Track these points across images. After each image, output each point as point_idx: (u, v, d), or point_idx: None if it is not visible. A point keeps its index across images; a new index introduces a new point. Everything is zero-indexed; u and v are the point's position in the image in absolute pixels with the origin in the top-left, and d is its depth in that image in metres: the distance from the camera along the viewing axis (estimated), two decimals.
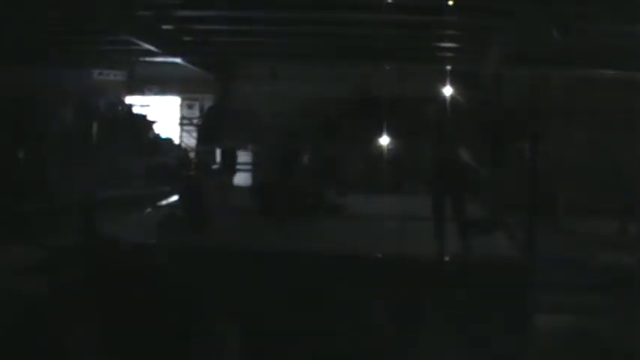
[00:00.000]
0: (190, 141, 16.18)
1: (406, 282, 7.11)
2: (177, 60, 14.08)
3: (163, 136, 17.12)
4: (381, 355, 6.77)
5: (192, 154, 14.87)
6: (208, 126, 13.54)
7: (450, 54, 13.41)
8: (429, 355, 6.65)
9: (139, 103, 17.77)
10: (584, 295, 8.21)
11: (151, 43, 12.27)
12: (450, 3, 9.38)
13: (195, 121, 16.79)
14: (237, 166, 13.02)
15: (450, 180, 8.23)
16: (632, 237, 10.11)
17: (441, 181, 8.32)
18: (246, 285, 7.06)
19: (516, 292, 7.21)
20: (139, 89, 17.62)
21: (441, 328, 6.76)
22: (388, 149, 14.04)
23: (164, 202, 11.67)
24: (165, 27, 11.99)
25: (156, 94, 17.75)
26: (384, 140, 14.29)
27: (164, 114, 17.78)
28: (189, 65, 14.94)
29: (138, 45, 12.25)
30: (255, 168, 13.82)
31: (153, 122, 17.18)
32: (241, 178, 13.42)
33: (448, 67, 13.76)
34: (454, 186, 8.33)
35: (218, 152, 13.14)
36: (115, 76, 17.10)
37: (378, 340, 6.84)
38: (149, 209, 11.11)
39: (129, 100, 17.52)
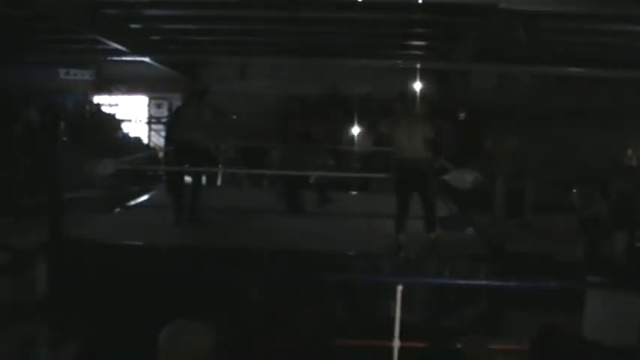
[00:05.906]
0: (159, 140, 16.10)
1: None
2: (146, 59, 13.98)
3: (132, 135, 16.99)
4: None
5: (161, 154, 14.75)
6: (177, 125, 13.41)
7: (418, 52, 13.49)
8: None
9: (107, 103, 17.64)
10: None
11: (119, 42, 12.16)
12: (420, 1, 9.40)
13: (163, 121, 16.70)
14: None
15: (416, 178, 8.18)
16: None
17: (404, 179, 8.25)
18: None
19: None
20: (107, 88, 17.48)
21: None
22: (356, 147, 14.05)
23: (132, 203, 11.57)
24: (133, 26, 11.90)
25: (124, 93, 17.62)
26: (352, 138, 14.33)
27: (132, 113, 17.67)
28: (158, 64, 14.86)
29: (105, 44, 12.13)
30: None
31: (121, 122, 17.04)
32: None
33: (417, 66, 13.88)
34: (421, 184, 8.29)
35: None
36: (82, 75, 16.96)
37: None
38: (117, 210, 10.99)
39: (97, 99, 17.37)
